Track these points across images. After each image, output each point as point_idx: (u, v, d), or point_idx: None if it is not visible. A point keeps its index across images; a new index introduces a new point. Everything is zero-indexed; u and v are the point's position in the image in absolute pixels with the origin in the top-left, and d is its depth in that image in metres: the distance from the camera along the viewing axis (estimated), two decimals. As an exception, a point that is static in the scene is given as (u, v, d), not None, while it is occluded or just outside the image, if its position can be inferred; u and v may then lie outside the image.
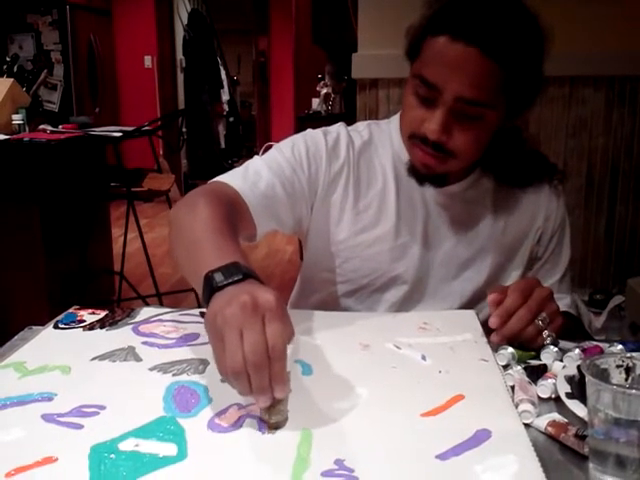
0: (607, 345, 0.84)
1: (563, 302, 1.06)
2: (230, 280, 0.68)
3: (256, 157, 1.06)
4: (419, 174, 1.01)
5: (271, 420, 0.64)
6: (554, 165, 1.13)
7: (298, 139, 1.07)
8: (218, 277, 0.68)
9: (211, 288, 0.68)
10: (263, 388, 0.61)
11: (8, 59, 4.07)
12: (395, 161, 1.07)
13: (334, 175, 1.05)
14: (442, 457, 0.59)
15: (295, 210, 1.04)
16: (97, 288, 3.17)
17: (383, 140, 1.09)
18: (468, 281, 1.08)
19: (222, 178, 1.01)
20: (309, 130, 1.09)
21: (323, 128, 1.09)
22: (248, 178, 1.00)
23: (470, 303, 1.08)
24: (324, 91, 4.70)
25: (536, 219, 1.11)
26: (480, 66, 0.88)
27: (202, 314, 0.93)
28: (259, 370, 0.60)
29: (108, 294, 3.34)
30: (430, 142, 0.94)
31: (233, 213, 0.91)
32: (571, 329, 1.00)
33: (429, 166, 0.98)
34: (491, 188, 1.08)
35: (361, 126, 1.12)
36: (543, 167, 1.11)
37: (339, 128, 1.09)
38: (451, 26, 0.90)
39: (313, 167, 1.04)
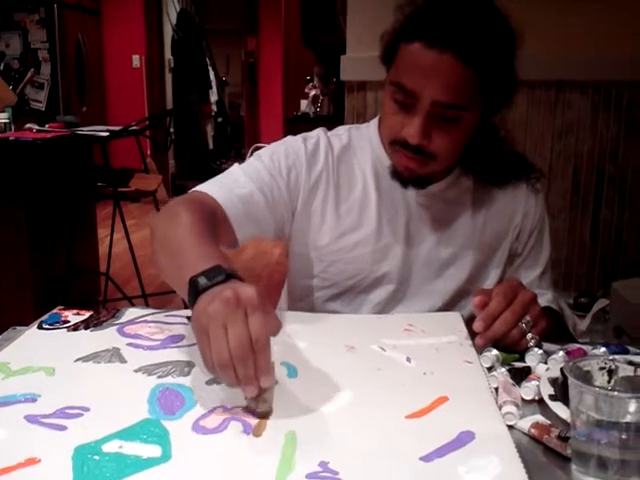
0: (591, 348, 0.84)
1: (544, 297, 1.07)
2: (213, 282, 0.70)
3: (235, 165, 1.08)
4: (402, 178, 1.03)
5: (258, 409, 0.67)
6: (531, 164, 1.15)
7: (278, 147, 1.08)
8: (202, 280, 0.70)
9: (196, 291, 0.70)
10: (249, 379, 0.64)
11: (-6, 57, 4.04)
12: (375, 164, 1.08)
13: (314, 181, 1.07)
14: (426, 459, 0.60)
15: (276, 216, 1.05)
16: (82, 288, 3.16)
17: (363, 144, 1.10)
18: (450, 279, 1.10)
19: (201, 188, 1.02)
20: (289, 137, 1.10)
21: (303, 134, 1.10)
22: (226, 186, 1.02)
23: (452, 301, 1.10)
24: (313, 93, 4.70)
25: (514, 217, 1.12)
26: (455, 71, 0.90)
27: (189, 318, 0.93)
28: (244, 362, 0.63)
29: (93, 295, 3.32)
30: (411, 146, 0.95)
31: (213, 221, 0.92)
32: (554, 327, 1.01)
33: (411, 169, 1.00)
34: (470, 187, 1.10)
35: (341, 130, 1.14)
36: (520, 166, 1.13)
37: (319, 133, 1.11)
38: (424, 32, 0.91)
39: (293, 174, 1.06)
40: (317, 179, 1.07)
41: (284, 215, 1.07)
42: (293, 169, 1.06)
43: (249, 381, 0.64)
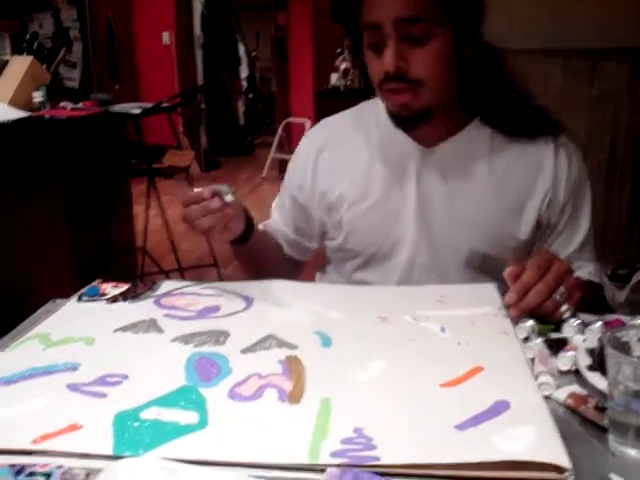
0: (629, 318, 0.83)
1: (585, 270, 1.05)
2: None
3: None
4: (402, 119, 1.02)
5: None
6: (555, 121, 1.08)
7: (289, 166, 1.20)
8: None
9: None
10: None
11: (28, 37, 4.08)
12: (381, 132, 1.09)
13: (320, 171, 1.13)
14: (461, 427, 0.60)
15: (314, 222, 1.17)
16: (119, 264, 3.20)
17: (366, 116, 1.13)
18: (471, 238, 1.06)
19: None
20: (299, 145, 1.19)
21: (307, 133, 1.20)
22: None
23: (474, 258, 1.07)
24: (343, 66, 4.66)
25: (538, 179, 1.06)
26: None
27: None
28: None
29: (131, 270, 3.36)
30: (392, 76, 0.96)
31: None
32: (593, 300, 0.99)
33: (405, 104, 0.99)
34: (487, 141, 1.06)
35: (346, 111, 1.17)
36: (541, 120, 1.07)
37: (318, 126, 1.19)
38: None
39: (308, 180, 1.14)
40: (321, 168, 1.13)
41: (316, 214, 1.16)
42: (303, 186, 1.15)
43: None
